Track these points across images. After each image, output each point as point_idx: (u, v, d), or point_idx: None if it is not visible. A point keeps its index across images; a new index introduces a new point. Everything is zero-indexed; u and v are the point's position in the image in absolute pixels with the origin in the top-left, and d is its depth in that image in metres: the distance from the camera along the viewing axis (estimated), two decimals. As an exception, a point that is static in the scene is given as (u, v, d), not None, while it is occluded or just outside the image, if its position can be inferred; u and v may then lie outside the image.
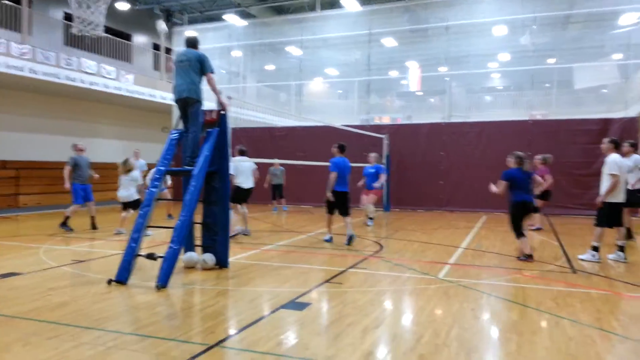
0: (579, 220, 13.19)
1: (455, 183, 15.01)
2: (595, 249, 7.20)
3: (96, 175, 10.77)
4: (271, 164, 14.94)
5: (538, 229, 10.83)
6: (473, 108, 19.83)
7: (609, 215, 7.22)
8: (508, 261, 7.33)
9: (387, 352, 3.77)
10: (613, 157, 7.23)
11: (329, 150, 14.86)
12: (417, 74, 19.50)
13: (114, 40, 18.15)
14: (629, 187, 8.15)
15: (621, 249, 7.30)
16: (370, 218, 11.64)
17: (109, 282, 5.62)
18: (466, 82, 20.08)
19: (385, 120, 18.64)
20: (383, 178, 11.60)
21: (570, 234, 10.27)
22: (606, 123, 14.10)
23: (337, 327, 4.24)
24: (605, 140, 7.54)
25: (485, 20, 16.73)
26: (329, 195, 8.61)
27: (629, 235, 8.62)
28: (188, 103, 6.46)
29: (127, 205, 9.82)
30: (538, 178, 8.49)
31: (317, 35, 19.25)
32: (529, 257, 7.21)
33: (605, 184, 7.21)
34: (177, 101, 6.53)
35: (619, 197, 7.21)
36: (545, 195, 10.60)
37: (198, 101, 6.46)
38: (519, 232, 7.35)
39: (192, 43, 6.68)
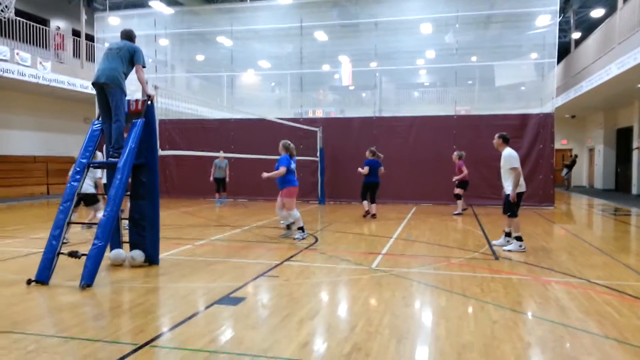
0: (501, 210, 13.94)
1: (386, 175, 15.31)
2: (519, 238, 7.55)
3: None
4: (216, 157, 14.82)
5: (459, 214, 12.58)
6: (402, 103, 20.36)
7: (518, 205, 7.62)
8: (436, 250, 7.64)
9: (322, 342, 3.80)
10: (509, 152, 7.63)
11: (262, 143, 14.77)
12: (349, 68, 19.72)
13: (29, 25, 16.91)
14: None
15: (508, 234, 7.77)
16: (288, 227, 8.96)
17: (29, 282, 5.26)
18: (395, 78, 20.55)
19: (319, 113, 18.71)
20: (282, 170, 8.34)
21: (492, 223, 10.85)
22: (524, 118, 15.02)
23: (273, 320, 4.22)
24: (495, 135, 8.00)
25: (412, 17, 17.21)
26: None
27: None
28: (105, 90, 6.13)
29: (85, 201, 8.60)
30: (462, 169, 12.51)
31: (248, 27, 18.94)
32: (366, 214, 11.77)
33: (508, 177, 7.54)
34: (94, 85, 6.23)
35: (522, 187, 7.63)
36: (463, 184, 12.71)
37: (119, 88, 6.12)
38: (363, 198, 11.75)
39: (128, 35, 6.51)
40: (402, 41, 18.46)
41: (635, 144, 19.54)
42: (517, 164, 7.49)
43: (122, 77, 6.19)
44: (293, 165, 8.59)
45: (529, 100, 16.48)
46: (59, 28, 19.54)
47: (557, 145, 22.86)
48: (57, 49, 18.22)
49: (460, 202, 12.82)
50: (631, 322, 4.17)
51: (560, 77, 20.56)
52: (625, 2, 14.20)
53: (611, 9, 18.37)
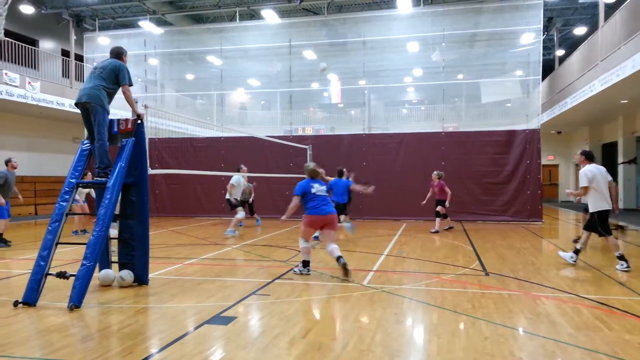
0: (489, 225, 14.05)
1: (376, 192, 15.44)
2: (621, 257, 7.12)
3: (20, 197, 10.42)
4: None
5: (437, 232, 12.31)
6: (391, 120, 20.59)
7: (603, 224, 7.32)
8: (427, 266, 7.65)
9: (314, 361, 3.78)
10: (582, 170, 7.57)
11: (252, 161, 14.77)
12: (338, 86, 19.92)
13: (18, 45, 16.91)
14: None
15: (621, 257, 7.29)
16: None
17: (16, 304, 5.18)
18: (384, 95, 20.81)
19: (308, 131, 18.83)
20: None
21: (482, 239, 10.90)
22: (511, 134, 15.22)
23: (264, 339, 4.19)
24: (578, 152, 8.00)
25: (399, 36, 17.50)
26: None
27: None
28: (88, 109, 6.13)
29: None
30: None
31: (238, 46, 19.13)
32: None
33: (589, 195, 7.40)
34: (77, 105, 6.24)
35: (604, 205, 7.31)
36: (442, 202, 12.38)
37: (100, 107, 6.09)
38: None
39: (116, 53, 6.47)
40: (389, 59, 18.74)
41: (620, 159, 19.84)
42: (584, 183, 7.30)
43: (104, 96, 6.15)
44: (314, 190, 7.52)
45: (515, 116, 16.74)
46: (81, 58, 19.34)
47: (544, 160, 23.15)
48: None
49: (447, 220, 12.68)
50: (620, 337, 4.20)
51: (545, 93, 20.90)
52: (607, 20, 14.54)
53: (593, 27, 18.80)
